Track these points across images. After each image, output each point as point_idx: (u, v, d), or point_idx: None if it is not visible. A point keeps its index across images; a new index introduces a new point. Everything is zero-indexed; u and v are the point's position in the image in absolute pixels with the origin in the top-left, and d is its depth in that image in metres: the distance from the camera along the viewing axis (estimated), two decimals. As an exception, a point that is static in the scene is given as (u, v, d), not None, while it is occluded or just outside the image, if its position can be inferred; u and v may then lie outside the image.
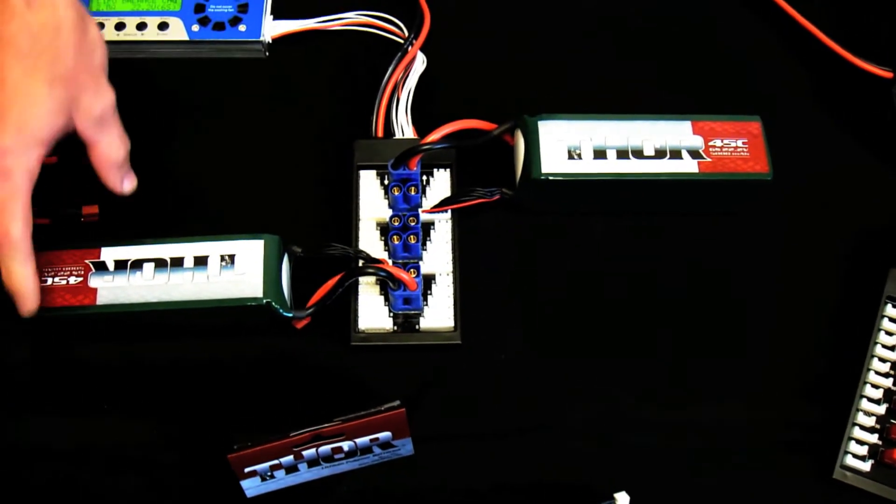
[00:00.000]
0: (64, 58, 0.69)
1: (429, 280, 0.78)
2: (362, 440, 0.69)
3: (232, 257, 0.74)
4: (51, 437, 0.74)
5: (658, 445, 0.75)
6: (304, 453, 0.69)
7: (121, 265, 0.74)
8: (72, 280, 0.74)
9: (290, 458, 0.68)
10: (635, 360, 0.77)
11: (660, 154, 0.78)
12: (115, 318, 0.74)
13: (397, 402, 0.67)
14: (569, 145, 0.78)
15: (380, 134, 0.82)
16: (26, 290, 0.70)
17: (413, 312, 0.77)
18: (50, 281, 0.74)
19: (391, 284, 0.75)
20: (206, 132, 0.85)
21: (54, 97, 0.69)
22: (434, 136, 0.79)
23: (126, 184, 0.75)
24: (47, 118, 0.69)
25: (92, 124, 0.72)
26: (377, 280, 0.77)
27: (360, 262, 0.76)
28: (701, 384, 0.77)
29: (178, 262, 0.74)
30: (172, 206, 0.82)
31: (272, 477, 0.70)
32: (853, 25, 0.81)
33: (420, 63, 0.86)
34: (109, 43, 0.81)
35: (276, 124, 0.85)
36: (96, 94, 0.72)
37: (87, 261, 0.75)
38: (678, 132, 0.79)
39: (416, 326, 0.77)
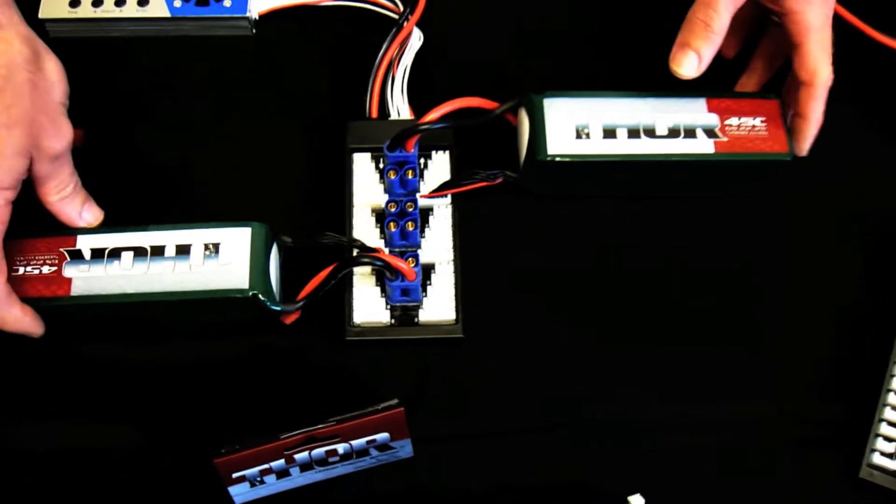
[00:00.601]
0: (20, 100, 0.68)
1: (428, 269, 0.75)
2: (358, 442, 0.67)
3: (216, 246, 0.72)
4: (26, 440, 0.72)
5: (675, 444, 0.72)
6: (297, 457, 0.66)
7: (97, 254, 0.72)
8: (45, 269, 0.71)
9: (282, 461, 0.66)
10: (649, 355, 0.75)
11: (673, 133, 0.76)
12: (91, 311, 0.71)
13: (395, 401, 0.65)
14: (576, 124, 0.75)
15: (374, 115, 0.80)
16: (26, 327, 0.71)
17: (412, 304, 0.74)
18: (22, 270, 0.71)
19: (388, 275, 0.72)
20: (189, 115, 0.82)
21: (13, 143, 0.68)
22: (432, 115, 0.76)
23: (87, 215, 0.74)
24: (8, 164, 0.68)
25: (47, 164, 0.71)
26: (373, 270, 0.74)
27: (355, 252, 0.74)
28: (719, 380, 0.74)
29: (158, 251, 0.72)
30: (154, 192, 0.79)
31: (262, 482, 0.68)
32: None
33: (416, 39, 0.83)
34: (85, 21, 0.82)
35: (264, 106, 0.83)
36: (56, 134, 0.70)
37: (61, 249, 0.72)
38: (692, 110, 0.77)
39: (416, 319, 0.74)
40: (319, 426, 0.65)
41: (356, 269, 0.74)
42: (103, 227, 0.73)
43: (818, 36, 0.73)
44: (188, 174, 0.80)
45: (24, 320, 0.70)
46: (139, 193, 0.78)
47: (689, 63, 0.74)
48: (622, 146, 0.75)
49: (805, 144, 0.76)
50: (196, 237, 0.72)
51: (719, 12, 0.73)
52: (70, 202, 0.73)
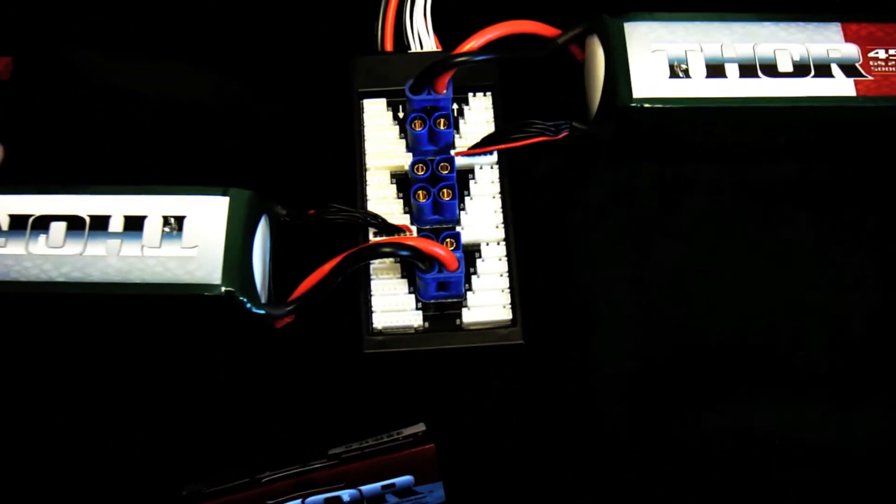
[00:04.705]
0: None
1: (471, 253, 0.68)
2: (371, 488, 0.62)
3: (180, 221, 0.64)
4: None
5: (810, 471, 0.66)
6: (285, 507, 0.63)
7: (18, 223, 0.65)
8: None
9: (264, 512, 0.63)
10: (754, 371, 0.68)
11: (800, 70, 0.68)
12: (5, 303, 0.66)
13: (422, 428, 0.62)
14: (670, 57, 0.68)
15: (388, 47, 0.74)
16: None
17: (452, 301, 0.67)
18: None
19: (420, 265, 0.65)
20: (150, 40, 0.76)
21: None
22: (472, 42, 0.69)
23: None
24: None
25: None
26: (398, 258, 0.69)
27: (371, 234, 0.68)
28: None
29: (100, 224, 0.64)
30: (99, 142, 0.73)
31: (235, 540, 0.63)
32: None
33: (443, -55, 0.77)
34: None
35: (249, 37, 0.77)
36: None
37: None
38: (823, 38, 0.69)
39: (458, 321, 0.67)
40: (316, 464, 0.60)
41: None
42: (27, 186, 0.66)
43: None
44: (146, 119, 0.74)
45: None
46: (79, 142, 0.73)
47: None
48: (733, 87, 0.68)
49: None
50: (152, 206, 0.65)
51: None
52: None
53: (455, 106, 0.72)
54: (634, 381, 0.68)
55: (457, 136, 0.71)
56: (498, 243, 0.69)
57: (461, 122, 0.71)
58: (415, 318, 0.67)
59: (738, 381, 0.68)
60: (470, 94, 0.72)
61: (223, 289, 0.63)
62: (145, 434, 0.67)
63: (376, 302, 0.68)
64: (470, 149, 0.70)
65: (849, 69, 0.69)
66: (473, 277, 0.68)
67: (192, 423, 0.67)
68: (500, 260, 0.68)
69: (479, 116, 0.72)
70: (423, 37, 0.74)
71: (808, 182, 0.73)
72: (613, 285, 0.71)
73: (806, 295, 0.70)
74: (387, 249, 0.65)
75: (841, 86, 0.68)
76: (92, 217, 0.65)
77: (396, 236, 0.68)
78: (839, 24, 0.70)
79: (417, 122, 0.69)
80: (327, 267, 0.65)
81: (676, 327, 0.70)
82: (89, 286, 0.63)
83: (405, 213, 0.69)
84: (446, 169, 0.68)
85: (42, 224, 0.65)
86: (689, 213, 0.72)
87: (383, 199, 0.70)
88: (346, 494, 0.61)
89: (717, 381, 0.68)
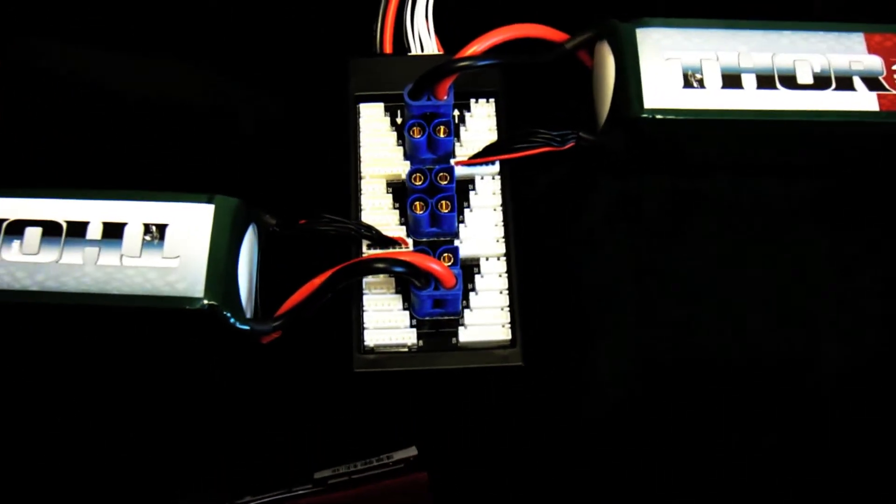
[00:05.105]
0: None
1: (470, 269, 0.66)
2: None
3: (162, 229, 0.62)
4: None
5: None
6: (262, 539, 0.61)
7: None
8: None
9: (239, 544, 0.61)
10: (782, 401, 0.65)
11: (821, 83, 0.66)
12: None
13: (413, 453, 0.60)
14: (684, 66, 0.66)
15: (387, 49, 0.72)
16: None
17: (448, 319, 0.65)
18: None
19: (415, 281, 0.63)
20: (135, 37, 0.74)
21: None
22: (475, 47, 0.67)
23: None
24: None
25: None
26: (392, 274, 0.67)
27: (366, 245, 0.66)
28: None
29: (77, 230, 0.62)
30: (80, 143, 0.71)
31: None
32: None
33: (446, -56, 0.76)
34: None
35: (241, 36, 0.75)
36: None
37: None
38: (845, 49, 0.67)
39: (453, 340, 0.65)
40: (300, 490, 0.59)
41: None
42: (1, 189, 0.65)
43: None
44: (129, 120, 0.72)
45: None
46: (58, 143, 0.71)
47: None
48: (750, 99, 0.65)
49: None
50: (133, 213, 0.62)
51: None
52: None
53: (456, 112, 0.70)
54: (639, 403, 0.66)
55: (457, 144, 0.69)
56: (498, 258, 0.67)
57: (462, 129, 0.69)
58: (408, 337, 0.65)
59: (747, 401, 0.66)
60: (472, 101, 0.70)
61: (205, 302, 0.61)
62: (119, 451, 0.65)
63: (368, 318, 0.66)
64: (471, 158, 0.68)
65: (872, 82, 0.66)
66: (471, 294, 0.66)
67: (170, 441, 0.65)
68: (500, 276, 0.66)
69: (481, 124, 0.70)
70: (423, 39, 0.73)
71: (825, 198, 0.71)
72: (619, 302, 0.69)
73: (819, 314, 0.68)
74: (380, 265, 0.63)
75: (863, 100, 0.66)
76: (69, 223, 0.63)
77: (391, 250, 0.66)
78: (862, 34, 0.68)
79: (416, 129, 0.67)
80: (317, 282, 0.64)
81: (684, 346, 0.68)
82: (64, 296, 0.61)
83: (401, 224, 0.67)
84: (445, 179, 0.67)
85: (16, 229, 0.63)
86: (700, 228, 0.70)
87: (378, 210, 0.68)
88: (329, 526, 0.61)
89: (724, 401, 0.67)
